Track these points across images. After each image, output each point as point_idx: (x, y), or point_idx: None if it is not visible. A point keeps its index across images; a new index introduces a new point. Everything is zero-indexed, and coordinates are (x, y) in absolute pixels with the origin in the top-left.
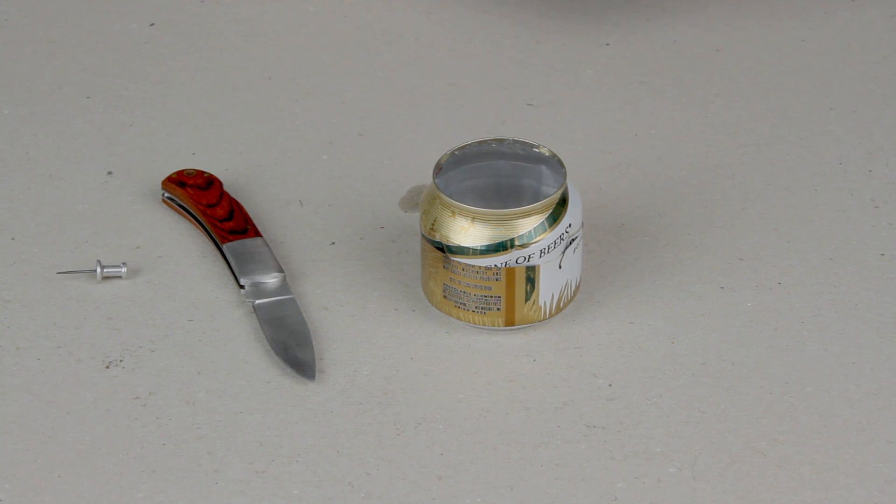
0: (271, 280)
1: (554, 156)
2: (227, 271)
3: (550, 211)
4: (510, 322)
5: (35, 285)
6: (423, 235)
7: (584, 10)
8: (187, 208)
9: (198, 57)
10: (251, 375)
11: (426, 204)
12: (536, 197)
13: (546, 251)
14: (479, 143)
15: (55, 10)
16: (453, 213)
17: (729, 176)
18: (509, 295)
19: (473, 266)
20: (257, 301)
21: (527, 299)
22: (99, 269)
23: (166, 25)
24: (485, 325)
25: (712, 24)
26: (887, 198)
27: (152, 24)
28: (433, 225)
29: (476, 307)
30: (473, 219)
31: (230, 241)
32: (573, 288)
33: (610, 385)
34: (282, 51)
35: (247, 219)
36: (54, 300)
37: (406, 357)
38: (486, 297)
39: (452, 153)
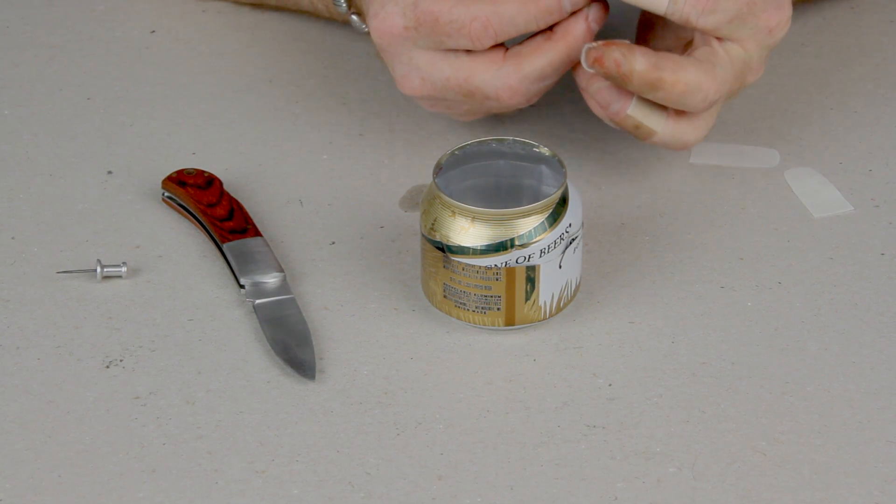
0: (271, 280)
1: (554, 155)
2: (227, 271)
3: (550, 211)
4: (510, 322)
5: (35, 285)
6: (423, 235)
7: None
8: (187, 208)
9: (198, 61)
10: (251, 375)
11: (426, 204)
12: (536, 197)
13: (546, 251)
14: (479, 142)
15: (56, 17)
16: (453, 212)
17: (729, 176)
18: (509, 295)
19: (473, 266)
20: (257, 301)
21: (527, 299)
22: (99, 269)
23: (167, 32)
24: (485, 324)
25: None
26: (887, 197)
27: (153, 31)
28: (433, 225)
29: (476, 307)
30: (473, 219)
31: (230, 240)
32: (573, 288)
33: (610, 385)
34: (283, 55)
35: (247, 218)
36: (54, 300)
37: (406, 357)
38: (486, 296)
39: (452, 153)
